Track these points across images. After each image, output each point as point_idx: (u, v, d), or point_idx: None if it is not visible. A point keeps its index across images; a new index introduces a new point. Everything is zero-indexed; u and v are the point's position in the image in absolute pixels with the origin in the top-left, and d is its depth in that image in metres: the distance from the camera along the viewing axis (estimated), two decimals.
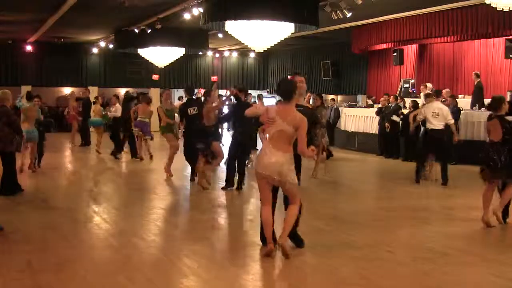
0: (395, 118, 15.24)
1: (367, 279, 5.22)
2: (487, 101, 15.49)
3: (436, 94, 11.76)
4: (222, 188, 9.98)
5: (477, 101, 15.22)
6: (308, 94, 17.24)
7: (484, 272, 5.56)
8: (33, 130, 11.20)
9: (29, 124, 11.14)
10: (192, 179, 10.89)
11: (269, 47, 13.50)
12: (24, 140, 10.25)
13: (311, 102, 14.84)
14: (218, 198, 9.64)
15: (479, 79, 15.71)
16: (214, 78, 27.20)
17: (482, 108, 14.74)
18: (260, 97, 19.74)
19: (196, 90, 20.29)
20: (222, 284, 5.13)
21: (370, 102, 18.95)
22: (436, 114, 10.80)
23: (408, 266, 5.64)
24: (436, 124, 10.82)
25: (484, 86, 16.21)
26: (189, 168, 13.31)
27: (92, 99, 17.76)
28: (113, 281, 5.10)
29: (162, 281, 5.10)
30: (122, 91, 20.46)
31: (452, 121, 10.97)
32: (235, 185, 9.98)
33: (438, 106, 11.00)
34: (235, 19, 12.57)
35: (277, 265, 5.75)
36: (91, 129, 17.62)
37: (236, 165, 9.95)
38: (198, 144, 9.84)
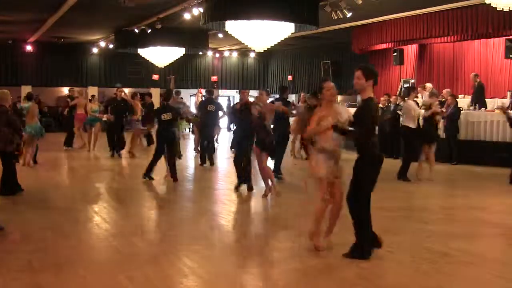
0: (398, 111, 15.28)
1: (367, 279, 5.22)
2: (487, 100, 15.55)
3: (406, 91, 12.02)
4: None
5: (477, 100, 15.18)
6: (302, 94, 17.21)
7: (484, 272, 5.56)
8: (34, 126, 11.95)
9: (30, 121, 11.84)
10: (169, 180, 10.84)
11: (269, 47, 13.50)
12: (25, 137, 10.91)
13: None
14: (219, 198, 9.64)
15: (479, 79, 15.69)
16: (214, 78, 27.22)
17: (482, 108, 14.75)
18: None
19: (196, 91, 20.39)
20: (222, 284, 5.13)
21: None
22: (402, 113, 11.12)
23: (408, 266, 5.64)
24: (404, 121, 11.24)
25: (484, 85, 16.18)
26: (190, 169, 13.33)
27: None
28: (113, 281, 5.10)
29: (162, 281, 5.10)
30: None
31: (419, 116, 11.21)
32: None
33: (405, 104, 11.20)
34: (235, 19, 12.57)
35: (277, 265, 5.75)
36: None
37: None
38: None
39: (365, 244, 5.73)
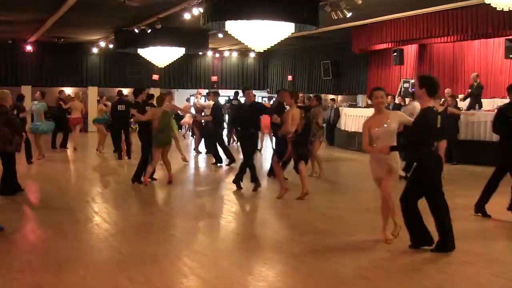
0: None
1: (367, 279, 5.22)
2: (487, 100, 15.53)
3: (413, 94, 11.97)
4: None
5: (477, 101, 15.14)
6: (301, 94, 17.20)
7: (484, 272, 5.56)
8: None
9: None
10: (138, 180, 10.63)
11: (269, 47, 13.50)
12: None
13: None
14: (219, 198, 9.64)
15: (479, 80, 15.65)
16: (214, 78, 27.22)
17: (481, 108, 14.78)
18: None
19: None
20: (222, 284, 5.13)
21: (370, 102, 18.95)
22: (411, 115, 10.95)
23: (408, 266, 5.64)
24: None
25: (484, 86, 16.15)
26: (190, 169, 13.31)
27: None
28: (113, 281, 5.10)
29: (162, 281, 5.10)
30: (124, 91, 20.46)
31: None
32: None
33: (413, 105, 11.21)
34: (235, 19, 12.57)
35: (277, 265, 5.76)
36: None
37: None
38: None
39: (446, 239, 6.01)
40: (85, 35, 21.76)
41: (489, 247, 6.61)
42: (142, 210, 8.77)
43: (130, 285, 4.98)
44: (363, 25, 17.84)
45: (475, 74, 15.80)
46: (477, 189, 10.64)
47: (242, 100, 13.59)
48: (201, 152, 15.54)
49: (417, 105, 11.14)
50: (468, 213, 8.40)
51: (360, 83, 21.84)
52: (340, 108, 19.17)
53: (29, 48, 24.16)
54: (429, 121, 5.90)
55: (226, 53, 27.23)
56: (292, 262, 5.73)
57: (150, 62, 20.97)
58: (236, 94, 18.28)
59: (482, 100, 16.22)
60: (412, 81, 18.31)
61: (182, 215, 8.42)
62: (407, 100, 16.39)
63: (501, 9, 11.23)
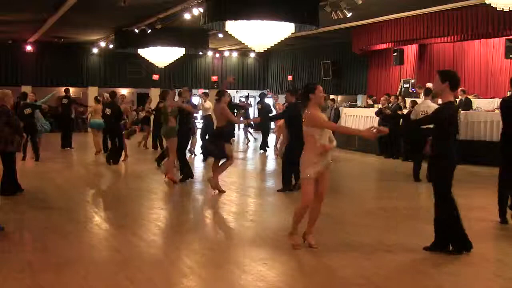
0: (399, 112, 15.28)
1: (367, 279, 5.22)
2: (488, 100, 15.52)
3: (425, 93, 11.84)
4: (278, 191, 9.77)
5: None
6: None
7: (484, 272, 5.56)
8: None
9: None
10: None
11: (269, 47, 13.51)
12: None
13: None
14: (219, 198, 9.64)
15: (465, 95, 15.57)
16: (214, 78, 27.22)
17: (479, 108, 14.81)
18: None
19: (196, 91, 20.39)
20: (222, 284, 5.13)
21: (370, 102, 18.94)
22: (425, 113, 10.80)
23: (408, 266, 5.64)
24: None
25: (484, 86, 16.17)
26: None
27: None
28: (113, 281, 5.10)
29: (162, 281, 5.10)
30: (123, 91, 20.50)
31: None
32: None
33: (427, 104, 11.07)
34: (235, 19, 12.58)
35: (277, 265, 5.75)
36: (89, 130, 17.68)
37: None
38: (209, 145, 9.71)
39: (453, 243, 5.94)
40: (85, 35, 21.76)
41: (490, 248, 6.62)
42: (142, 210, 8.76)
43: (130, 285, 4.98)
44: (363, 25, 17.85)
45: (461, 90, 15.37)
46: (477, 189, 10.68)
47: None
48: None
49: (431, 104, 11.11)
50: (468, 213, 8.39)
51: (360, 83, 21.83)
52: (340, 108, 19.17)
53: (29, 48, 24.16)
54: (453, 115, 5.88)
55: (226, 53, 27.23)
56: (292, 262, 5.73)
57: (150, 62, 20.98)
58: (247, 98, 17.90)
59: (482, 100, 16.29)
60: (412, 81, 18.34)
61: (182, 215, 8.42)
62: (407, 100, 16.39)
63: (501, 9, 11.23)
